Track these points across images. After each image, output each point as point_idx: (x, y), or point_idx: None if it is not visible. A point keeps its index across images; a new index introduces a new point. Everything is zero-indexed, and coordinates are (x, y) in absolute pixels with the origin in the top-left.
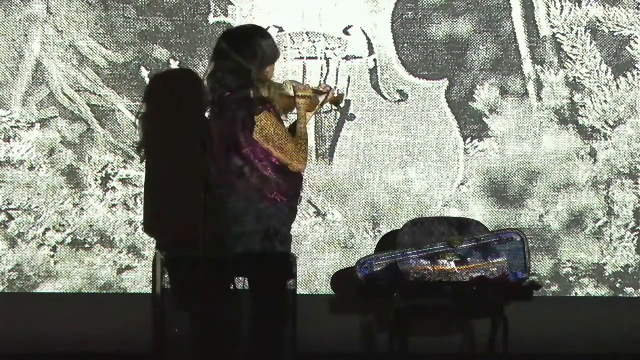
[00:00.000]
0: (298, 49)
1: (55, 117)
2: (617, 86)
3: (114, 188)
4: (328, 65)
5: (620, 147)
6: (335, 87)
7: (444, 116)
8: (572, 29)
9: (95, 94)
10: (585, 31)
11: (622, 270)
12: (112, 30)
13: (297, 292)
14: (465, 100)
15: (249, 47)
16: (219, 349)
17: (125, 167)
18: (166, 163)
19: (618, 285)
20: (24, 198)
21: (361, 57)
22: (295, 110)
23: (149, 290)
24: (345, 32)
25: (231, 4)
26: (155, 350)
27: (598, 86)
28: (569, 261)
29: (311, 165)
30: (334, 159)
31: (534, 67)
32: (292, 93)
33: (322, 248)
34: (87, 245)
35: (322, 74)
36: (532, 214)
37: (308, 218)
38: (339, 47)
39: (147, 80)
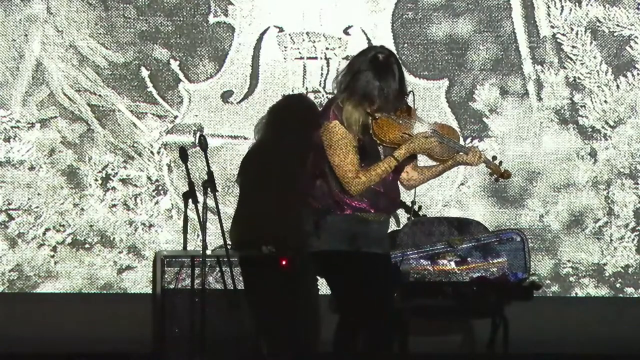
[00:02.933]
0: (298, 49)
1: (55, 117)
2: (617, 86)
3: (114, 188)
4: (328, 65)
5: (620, 147)
6: (501, 163)
7: (444, 116)
8: (572, 29)
9: (95, 94)
10: (585, 31)
11: (622, 270)
12: (112, 30)
13: None
14: (465, 100)
15: None
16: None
17: (125, 167)
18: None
19: (618, 285)
20: (24, 198)
21: None
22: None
23: (149, 290)
24: (345, 32)
25: (231, 4)
26: (155, 350)
27: (598, 86)
28: (569, 261)
29: None
30: None
31: (534, 67)
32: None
33: None
34: (87, 245)
35: (322, 74)
36: (532, 214)
37: None
38: (339, 47)
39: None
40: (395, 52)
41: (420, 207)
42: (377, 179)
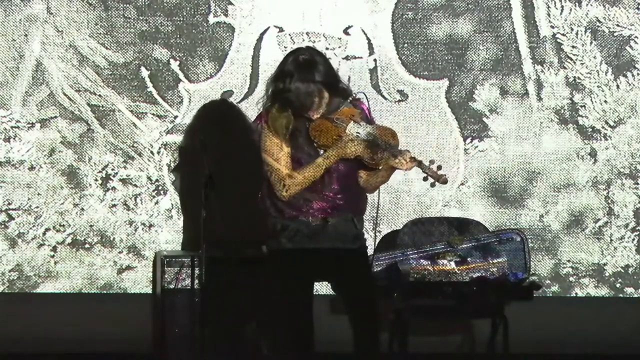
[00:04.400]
0: None
1: (55, 117)
2: (617, 86)
3: (114, 188)
4: None
5: (620, 147)
6: (443, 174)
7: (444, 116)
8: (572, 29)
9: (95, 94)
10: (585, 31)
11: (622, 270)
12: (112, 30)
13: None
14: (465, 100)
15: None
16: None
17: (125, 167)
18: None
19: (618, 285)
20: (24, 198)
21: (361, 57)
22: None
23: (149, 290)
24: (345, 32)
25: (231, 4)
26: (155, 350)
27: (598, 86)
28: (569, 261)
29: None
30: None
31: (534, 67)
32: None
33: None
34: (87, 245)
35: None
36: (532, 214)
37: None
38: (339, 47)
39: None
40: (395, 52)
41: (439, 167)
42: (307, 183)
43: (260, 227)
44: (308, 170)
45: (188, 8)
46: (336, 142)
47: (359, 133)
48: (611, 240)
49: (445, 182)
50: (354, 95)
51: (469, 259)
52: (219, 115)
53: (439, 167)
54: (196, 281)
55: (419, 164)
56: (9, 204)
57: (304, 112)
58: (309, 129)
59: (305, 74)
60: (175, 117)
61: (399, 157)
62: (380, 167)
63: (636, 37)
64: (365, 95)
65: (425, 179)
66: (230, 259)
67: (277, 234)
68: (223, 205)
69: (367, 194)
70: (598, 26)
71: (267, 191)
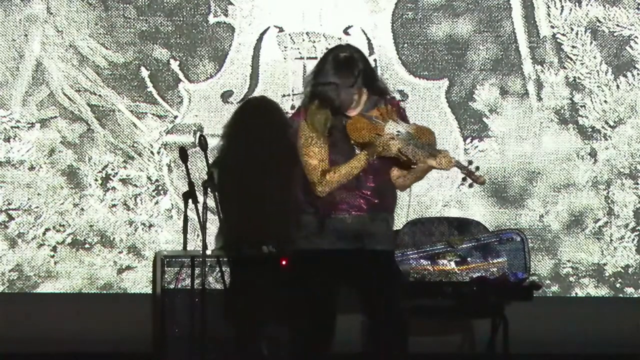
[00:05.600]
0: (298, 49)
1: (55, 117)
2: (617, 86)
3: (114, 188)
4: None
5: (620, 147)
6: (478, 171)
7: (444, 116)
8: (572, 29)
9: (95, 94)
10: (585, 31)
11: (622, 270)
12: (112, 30)
13: None
14: (465, 100)
15: None
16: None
17: (125, 167)
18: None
19: (618, 285)
20: (24, 198)
21: None
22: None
23: (149, 290)
24: (345, 32)
25: (231, 4)
26: (155, 350)
27: (598, 86)
28: (569, 261)
29: None
30: None
31: (534, 67)
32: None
33: None
34: (87, 245)
35: None
36: (532, 214)
37: None
38: None
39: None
40: (395, 52)
41: (477, 167)
42: (344, 180)
43: (292, 224)
44: (346, 167)
45: (188, 8)
46: (374, 139)
47: (398, 132)
48: (611, 240)
49: (483, 182)
50: (390, 93)
51: (469, 259)
52: (256, 111)
53: (477, 168)
54: (197, 281)
55: (457, 164)
56: (9, 204)
57: (343, 110)
58: (345, 126)
59: (346, 71)
60: (175, 117)
61: (438, 156)
62: (416, 166)
63: (636, 37)
64: (401, 94)
65: (464, 179)
66: (251, 258)
67: (310, 234)
68: (248, 203)
69: (396, 192)
70: (598, 26)
71: (302, 187)
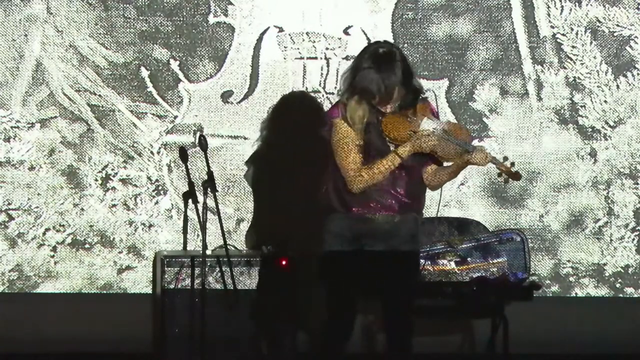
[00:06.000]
0: (298, 49)
1: (55, 117)
2: (617, 86)
3: (114, 188)
4: (328, 65)
5: (620, 147)
6: (512, 165)
7: (443, 116)
8: (572, 29)
9: (95, 94)
10: (585, 31)
11: (622, 270)
12: (112, 30)
13: None
14: (465, 100)
15: None
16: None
17: (125, 167)
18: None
19: (618, 285)
20: (24, 198)
21: None
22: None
23: (149, 290)
24: (345, 32)
25: (231, 4)
26: (155, 350)
27: (598, 86)
28: (569, 261)
29: None
30: None
31: (534, 67)
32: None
33: None
34: (87, 245)
35: (322, 74)
36: (532, 214)
37: None
38: (339, 47)
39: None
40: None
41: (513, 164)
42: (380, 177)
43: (323, 223)
44: (381, 164)
45: (188, 8)
46: (409, 137)
47: (434, 128)
48: (611, 240)
49: (519, 178)
50: (425, 93)
51: (469, 259)
52: (292, 107)
53: (512, 164)
54: (197, 281)
55: (493, 159)
56: (9, 204)
57: (382, 103)
58: (381, 123)
59: (386, 65)
60: (175, 117)
61: (474, 153)
62: (451, 162)
63: (636, 37)
64: (434, 93)
65: (499, 174)
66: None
67: (339, 233)
68: (281, 203)
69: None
70: (598, 26)
71: (334, 185)
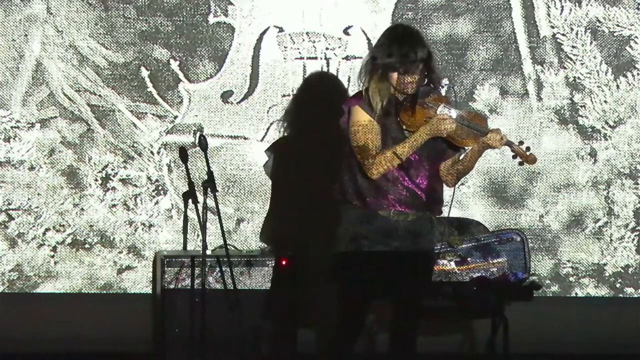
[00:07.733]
0: (298, 49)
1: (55, 117)
2: (617, 86)
3: (114, 188)
4: (328, 65)
5: (620, 147)
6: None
7: None
8: (572, 29)
9: (95, 94)
10: (585, 31)
11: (622, 270)
12: (112, 30)
13: None
14: (465, 100)
15: None
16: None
17: (125, 167)
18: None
19: (618, 285)
20: (24, 198)
21: (361, 57)
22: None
23: (149, 290)
24: (345, 32)
25: (231, 4)
26: (155, 350)
27: (598, 86)
28: (569, 261)
29: None
30: None
31: (534, 67)
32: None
33: None
34: (87, 245)
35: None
36: (532, 214)
37: None
38: (339, 47)
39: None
40: None
41: (528, 148)
42: (396, 161)
43: (337, 217)
44: (400, 146)
45: (188, 8)
46: (426, 123)
47: (451, 114)
48: (611, 240)
49: (534, 161)
50: (444, 85)
51: (469, 259)
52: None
53: (528, 148)
54: (197, 281)
55: (509, 142)
56: (9, 204)
57: (406, 78)
58: (398, 109)
59: (407, 41)
60: (175, 117)
61: (489, 134)
62: (468, 147)
63: (636, 37)
64: (453, 87)
65: (514, 157)
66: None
67: (352, 226)
68: (299, 201)
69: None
70: (598, 26)
71: (350, 175)
